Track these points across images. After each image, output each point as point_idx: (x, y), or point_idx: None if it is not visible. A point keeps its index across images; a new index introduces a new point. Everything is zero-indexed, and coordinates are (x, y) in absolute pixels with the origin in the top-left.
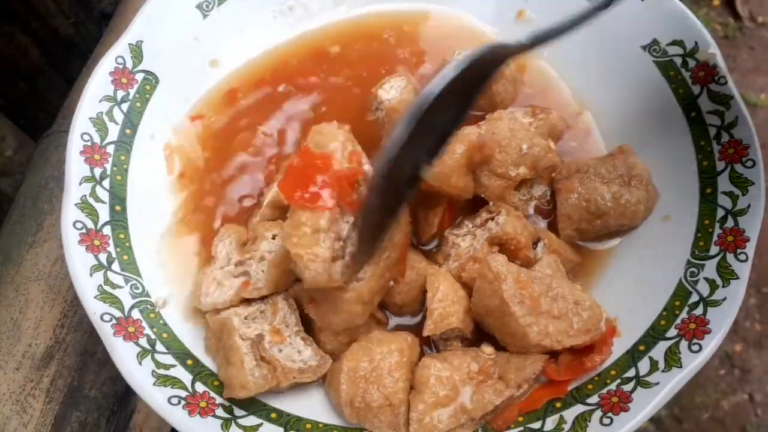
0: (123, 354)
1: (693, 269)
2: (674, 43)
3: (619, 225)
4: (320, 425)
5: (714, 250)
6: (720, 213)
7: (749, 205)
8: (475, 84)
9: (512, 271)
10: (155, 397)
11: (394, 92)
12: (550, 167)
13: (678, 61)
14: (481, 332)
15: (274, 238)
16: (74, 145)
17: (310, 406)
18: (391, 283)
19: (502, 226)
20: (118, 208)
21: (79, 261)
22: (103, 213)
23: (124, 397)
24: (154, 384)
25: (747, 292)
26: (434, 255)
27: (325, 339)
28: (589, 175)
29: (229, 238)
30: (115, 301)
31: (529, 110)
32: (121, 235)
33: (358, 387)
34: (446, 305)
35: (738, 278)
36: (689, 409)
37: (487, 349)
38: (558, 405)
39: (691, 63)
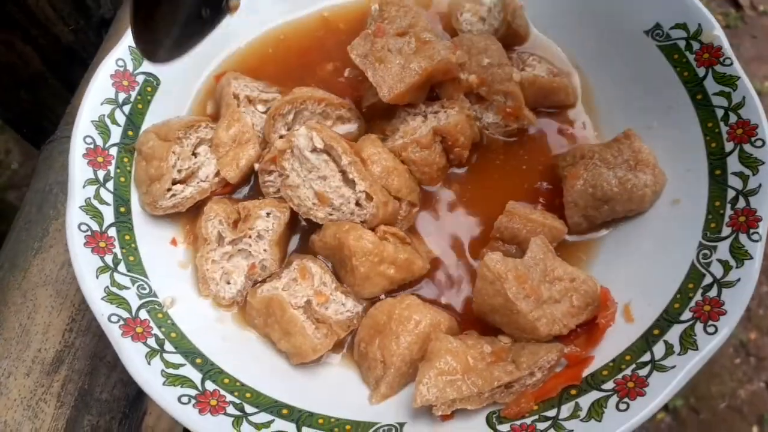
0: (131, 354)
1: (705, 251)
2: (677, 26)
3: (627, 210)
4: (332, 420)
5: (726, 231)
6: (731, 194)
7: (760, 185)
8: None
9: (510, 268)
10: (165, 396)
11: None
12: (507, 95)
13: (682, 44)
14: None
15: (268, 215)
16: (77, 148)
17: (322, 401)
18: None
19: (448, 120)
20: (122, 209)
21: (85, 263)
22: (108, 215)
23: (135, 399)
24: (164, 384)
25: (759, 280)
26: (384, 125)
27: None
28: (594, 160)
29: (217, 217)
30: (122, 302)
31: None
32: (127, 237)
33: (368, 334)
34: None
35: (752, 258)
36: (706, 399)
37: (504, 339)
38: (573, 392)
39: (695, 45)
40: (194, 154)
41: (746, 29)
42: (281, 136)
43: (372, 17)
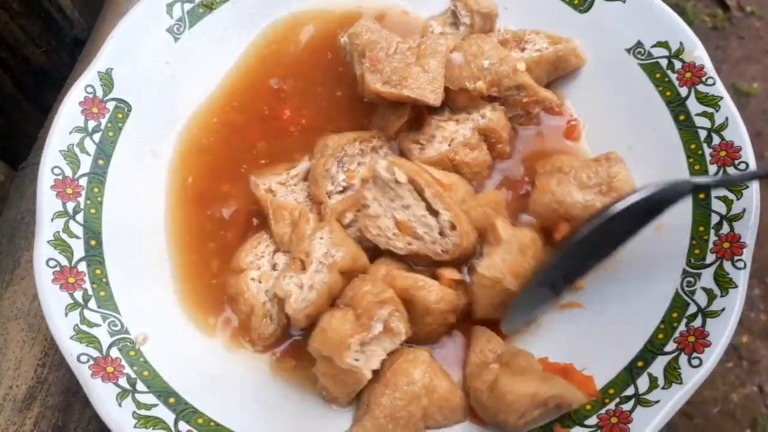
0: (102, 396)
1: (689, 279)
2: (659, 44)
3: None
4: None
5: (710, 258)
6: (714, 219)
7: (744, 210)
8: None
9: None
10: None
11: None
12: (519, 87)
13: (664, 63)
14: None
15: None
16: (45, 179)
17: None
18: None
19: (491, 119)
20: (93, 242)
21: (53, 301)
22: (78, 249)
23: None
24: (135, 426)
25: (751, 283)
26: (415, 137)
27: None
28: (568, 176)
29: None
30: (93, 341)
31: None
32: (98, 271)
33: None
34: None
35: (736, 287)
36: (699, 404)
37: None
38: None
39: (677, 64)
40: (274, 268)
41: (733, 30)
42: (340, 191)
43: (345, 50)
